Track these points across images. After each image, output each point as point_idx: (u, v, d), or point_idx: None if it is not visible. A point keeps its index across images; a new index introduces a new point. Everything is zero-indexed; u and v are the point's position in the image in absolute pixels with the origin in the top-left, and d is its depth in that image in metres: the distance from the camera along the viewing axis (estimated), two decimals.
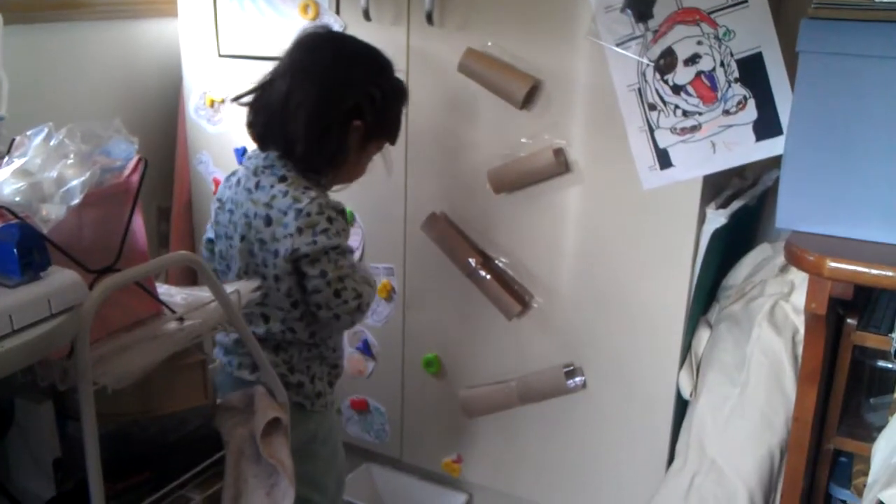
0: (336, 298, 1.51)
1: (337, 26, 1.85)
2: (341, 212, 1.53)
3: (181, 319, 1.36)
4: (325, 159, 1.53)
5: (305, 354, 1.59)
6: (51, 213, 1.12)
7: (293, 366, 1.58)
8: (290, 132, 1.50)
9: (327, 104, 1.50)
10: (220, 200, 1.62)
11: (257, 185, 1.53)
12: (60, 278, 1.05)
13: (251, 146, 2.03)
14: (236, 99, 1.60)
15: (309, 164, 1.52)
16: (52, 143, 1.21)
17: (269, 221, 1.50)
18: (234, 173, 1.61)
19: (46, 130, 1.24)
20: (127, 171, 1.27)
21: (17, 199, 1.13)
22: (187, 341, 1.35)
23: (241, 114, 2.03)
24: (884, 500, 1.08)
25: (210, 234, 1.67)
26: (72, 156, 1.20)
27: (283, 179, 1.51)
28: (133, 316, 1.32)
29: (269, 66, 1.93)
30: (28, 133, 1.26)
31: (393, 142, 1.62)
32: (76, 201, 1.15)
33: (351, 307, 1.53)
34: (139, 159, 1.29)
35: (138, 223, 1.31)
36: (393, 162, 1.76)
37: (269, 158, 1.53)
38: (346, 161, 1.55)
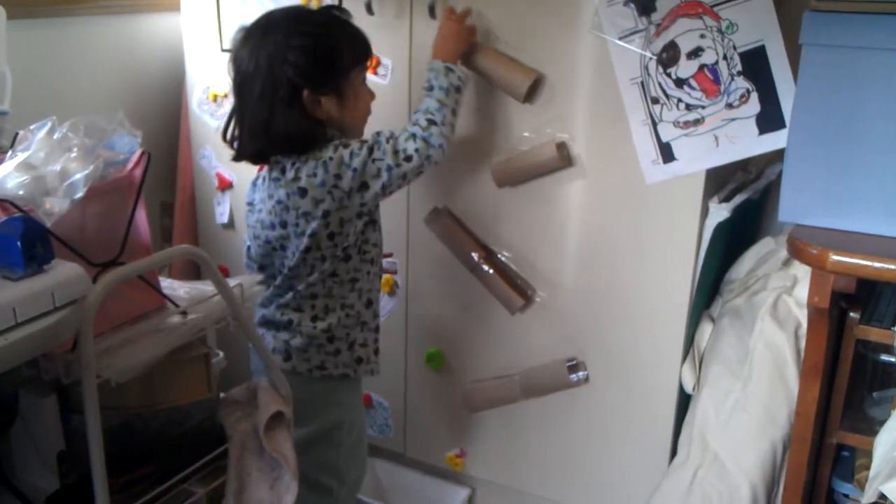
0: (408, 162, 1.52)
1: None
2: (365, 142, 1.53)
3: (184, 313, 1.36)
4: (311, 134, 1.52)
5: (344, 321, 1.61)
6: (54, 207, 1.13)
7: (332, 335, 1.60)
8: (267, 143, 1.52)
9: (268, 99, 1.49)
10: (249, 204, 1.65)
11: (283, 171, 1.54)
12: (64, 271, 1.05)
13: None
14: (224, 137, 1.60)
15: (305, 146, 1.52)
16: (55, 136, 1.22)
17: (304, 192, 1.51)
18: (258, 176, 1.64)
19: (50, 124, 1.25)
20: (130, 165, 1.27)
21: (21, 192, 1.14)
22: (190, 335, 1.35)
23: None
24: (885, 493, 1.08)
25: (247, 241, 1.70)
26: (75, 149, 1.20)
27: (298, 158, 1.53)
28: (136, 309, 1.33)
29: None
30: (32, 127, 1.26)
31: (365, 59, 1.58)
32: (79, 195, 1.15)
33: (424, 150, 1.52)
34: (142, 153, 1.29)
35: (141, 217, 1.32)
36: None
37: (288, 156, 1.55)
38: (332, 120, 1.53)
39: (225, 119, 1.60)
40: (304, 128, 1.51)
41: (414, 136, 1.54)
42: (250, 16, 1.95)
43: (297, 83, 1.48)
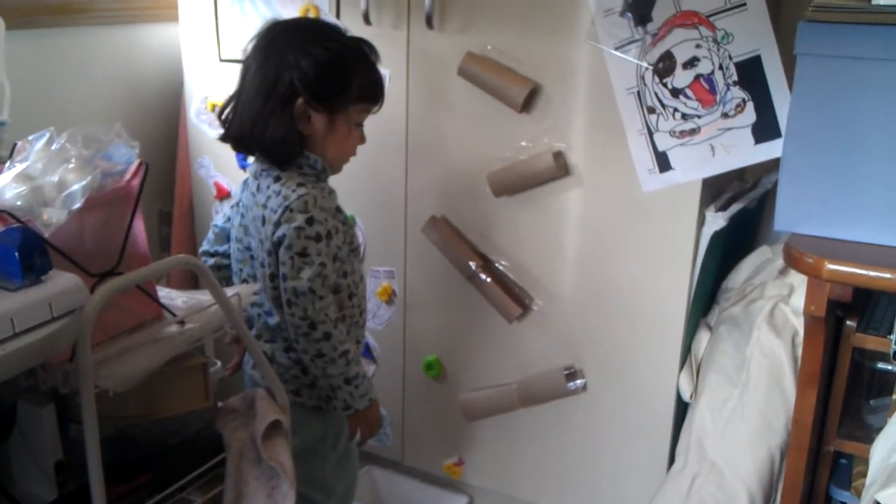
0: (288, 307, 1.48)
1: None
2: (334, 211, 1.52)
3: (182, 323, 1.36)
4: (289, 148, 1.50)
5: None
6: (52, 217, 1.13)
7: (305, 366, 1.57)
8: (249, 134, 1.51)
9: (265, 94, 1.48)
10: (237, 204, 1.64)
11: (258, 188, 1.54)
12: (62, 282, 1.05)
13: None
14: (220, 114, 1.58)
15: (278, 158, 1.51)
16: (53, 147, 1.22)
17: (263, 221, 1.51)
18: (246, 179, 1.62)
19: (48, 135, 1.25)
20: (128, 176, 1.28)
21: (19, 203, 1.14)
22: (188, 344, 1.35)
23: None
24: (881, 501, 1.08)
25: (219, 222, 1.69)
26: (73, 160, 1.21)
27: (277, 179, 1.51)
28: (134, 319, 1.33)
29: None
30: (30, 138, 1.27)
31: (371, 102, 1.55)
32: (77, 205, 1.15)
33: (299, 327, 1.48)
34: (140, 163, 1.29)
35: (139, 227, 1.32)
36: None
37: (264, 161, 1.54)
38: (316, 143, 1.51)
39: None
40: (286, 136, 1.49)
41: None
42: (248, 26, 1.97)
43: (296, 89, 1.47)
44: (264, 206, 1.51)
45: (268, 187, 1.51)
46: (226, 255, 1.67)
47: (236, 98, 1.55)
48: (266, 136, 1.49)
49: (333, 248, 1.51)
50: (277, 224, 1.47)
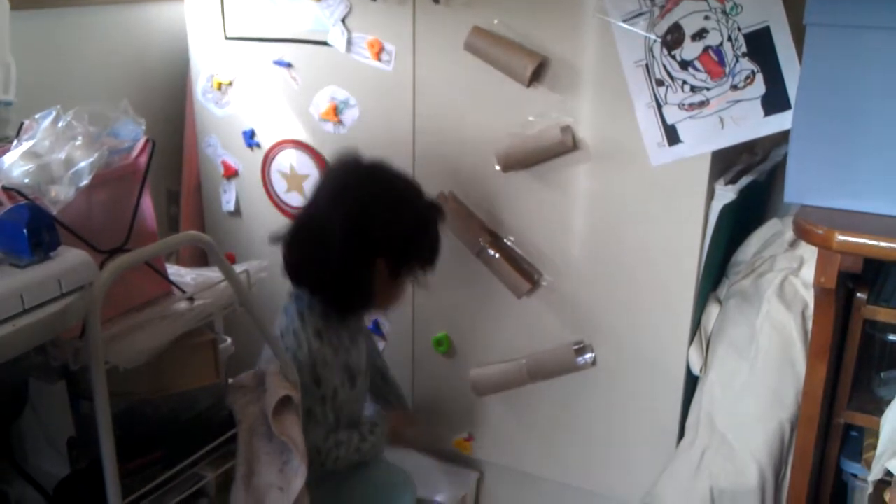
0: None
1: (342, 9, 1.84)
2: (343, 367, 1.56)
3: (191, 299, 1.37)
4: (351, 300, 1.54)
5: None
6: (60, 195, 1.14)
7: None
8: (315, 275, 1.53)
9: (348, 249, 1.48)
10: None
11: (285, 310, 1.57)
12: (70, 258, 1.06)
13: (259, 129, 2.06)
14: (273, 241, 1.58)
15: (334, 305, 1.54)
16: (60, 125, 1.22)
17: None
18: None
19: (55, 113, 1.26)
20: (135, 153, 1.28)
21: (27, 180, 1.15)
22: (198, 321, 1.37)
23: (249, 97, 2.05)
24: (892, 470, 1.08)
25: None
26: (80, 138, 1.21)
27: (301, 316, 1.54)
28: (143, 296, 1.34)
29: (275, 48, 1.96)
30: (36, 116, 1.27)
31: (430, 265, 1.61)
32: (85, 182, 1.16)
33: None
34: (147, 140, 1.30)
35: (147, 204, 1.33)
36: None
37: (323, 302, 1.55)
38: (375, 296, 1.55)
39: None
40: (362, 290, 1.52)
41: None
42: (254, 3, 1.96)
43: (381, 247, 1.50)
44: (282, 335, 1.54)
45: (291, 318, 1.55)
46: None
47: (305, 231, 1.54)
48: (340, 286, 1.51)
49: (340, 399, 1.56)
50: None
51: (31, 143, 1.21)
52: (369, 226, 1.49)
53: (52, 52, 1.92)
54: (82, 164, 1.17)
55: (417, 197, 1.58)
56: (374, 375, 1.74)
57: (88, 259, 1.08)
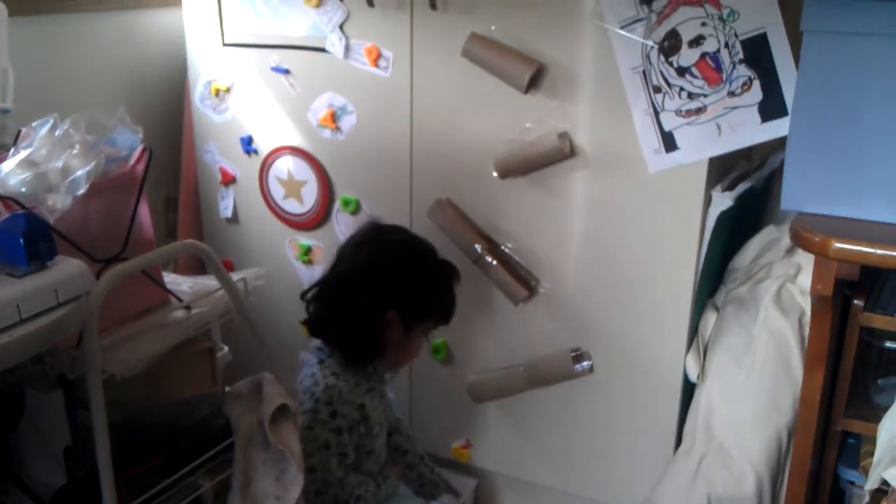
0: (317, 495, 1.53)
1: (339, 16, 1.84)
2: (358, 406, 1.56)
3: (188, 308, 1.37)
4: (365, 353, 1.57)
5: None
6: (57, 204, 1.13)
7: None
8: (329, 324, 1.59)
9: (360, 297, 1.54)
10: None
11: (307, 361, 1.61)
12: (67, 268, 1.06)
13: (257, 135, 2.06)
14: (303, 295, 1.64)
15: (356, 358, 1.58)
16: (57, 133, 1.22)
17: (300, 400, 1.56)
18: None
19: (52, 121, 1.25)
20: (132, 161, 1.28)
21: (24, 189, 1.14)
22: (195, 329, 1.36)
23: (247, 103, 2.05)
24: (887, 479, 1.08)
25: None
26: (77, 146, 1.21)
27: (321, 362, 1.58)
28: (140, 305, 1.34)
29: (272, 54, 1.96)
30: (34, 124, 1.27)
31: (444, 323, 1.64)
32: (82, 191, 1.16)
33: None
34: (144, 149, 1.30)
35: (144, 212, 1.32)
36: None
37: (335, 352, 1.60)
38: (388, 350, 1.58)
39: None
40: (373, 341, 1.56)
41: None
42: (252, 10, 1.97)
43: (393, 300, 1.54)
44: (301, 383, 1.58)
45: (311, 365, 1.59)
46: None
47: (324, 286, 1.60)
48: (353, 336, 1.56)
49: (355, 438, 1.57)
50: (305, 412, 1.54)
51: (28, 151, 1.21)
52: (384, 275, 1.54)
53: (49, 58, 1.92)
54: (79, 172, 1.17)
55: (433, 254, 1.63)
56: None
57: (85, 268, 1.07)
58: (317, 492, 1.53)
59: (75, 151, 1.19)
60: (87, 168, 1.17)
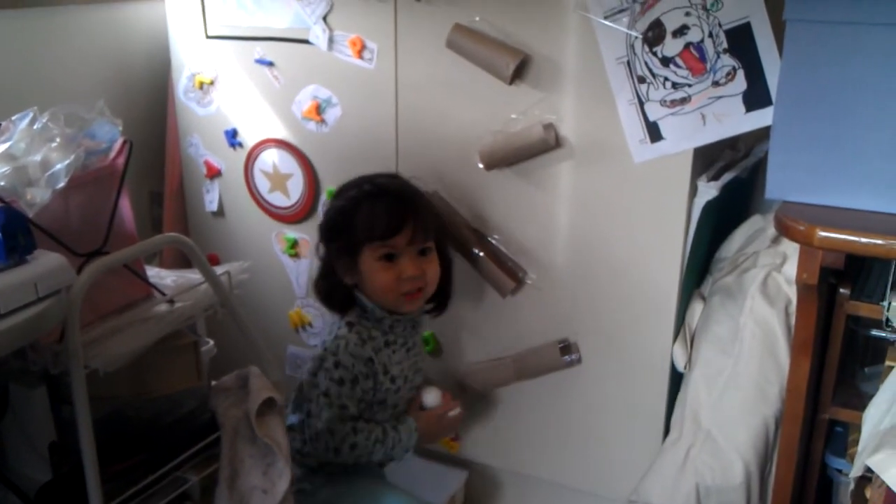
0: (310, 441, 1.57)
1: (323, 7, 1.83)
2: (366, 361, 1.57)
3: (171, 301, 1.36)
4: (335, 292, 1.63)
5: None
6: (36, 197, 1.12)
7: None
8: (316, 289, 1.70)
9: (320, 256, 1.65)
10: None
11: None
12: (47, 262, 1.05)
13: (241, 128, 2.05)
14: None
15: (331, 307, 1.66)
16: (36, 126, 1.21)
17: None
18: None
19: (31, 115, 1.24)
20: (112, 154, 1.27)
21: (2, 183, 1.14)
22: (178, 323, 1.36)
23: (231, 96, 2.04)
24: (871, 466, 1.09)
25: None
26: (57, 139, 1.20)
27: (341, 315, 1.65)
28: (123, 299, 1.33)
29: (256, 47, 1.95)
30: (13, 118, 1.26)
31: (377, 239, 1.57)
32: (61, 184, 1.15)
33: (322, 452, 1.57)
34: (124, 141, 1.29)
35: (125, 206, 1.31)
36: None
37: None
38: (363, 288, 1.60)
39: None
40: (331, 286, 1.63)
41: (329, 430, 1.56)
42: (234, 2, 1.95)
43: (327, 235, 1.63)
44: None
45: (334, 319, 1.68)
46: None
47: None
48: (316, 285, 1.68)
49: (359, 391, 1.57)
50: (314, 359, 1.60)
51: (7, 145, 1.20)
52: (323, 219, 1.65)
53: (30, 52, 1.90)
54: (59, 166, 1.16)
55: (366, 179, 1.64)
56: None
57: (65, 262, 1.06)
58: (311, 438, 1.55)
59: (55, 145, 1.18)
60: (67, 161, 1.16)
